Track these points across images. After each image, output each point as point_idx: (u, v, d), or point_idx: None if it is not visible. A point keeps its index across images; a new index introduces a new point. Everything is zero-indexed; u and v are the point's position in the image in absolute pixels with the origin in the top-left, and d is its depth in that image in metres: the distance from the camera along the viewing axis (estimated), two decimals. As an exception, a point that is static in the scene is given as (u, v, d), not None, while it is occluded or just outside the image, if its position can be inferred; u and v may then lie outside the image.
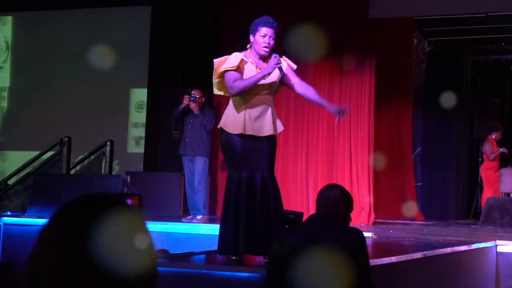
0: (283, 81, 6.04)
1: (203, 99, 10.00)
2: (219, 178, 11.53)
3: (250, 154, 5.87)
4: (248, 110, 5.94)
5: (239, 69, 6.03)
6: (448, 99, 12.33)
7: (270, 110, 5.95)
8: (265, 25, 6.10)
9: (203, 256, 6.36)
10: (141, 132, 12.75)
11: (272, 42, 6.05)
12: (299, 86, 6.07)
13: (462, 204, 13.05)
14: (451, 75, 13.19)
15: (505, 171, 11.73)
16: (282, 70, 5.93)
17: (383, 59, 11.63)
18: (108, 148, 11.78)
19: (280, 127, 6.04)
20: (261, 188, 5.78)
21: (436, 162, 12.85)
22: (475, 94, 13.64)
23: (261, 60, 6.12)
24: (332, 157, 11.00)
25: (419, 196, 12.69)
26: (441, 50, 13.49)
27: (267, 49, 6.03)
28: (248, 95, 5.95)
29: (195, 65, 12.02)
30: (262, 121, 5.93)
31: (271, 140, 5.96)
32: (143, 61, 12.61)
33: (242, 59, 6.08)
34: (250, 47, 6.18)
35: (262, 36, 6.08)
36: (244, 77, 6.01)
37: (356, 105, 10.90)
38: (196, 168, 9.88)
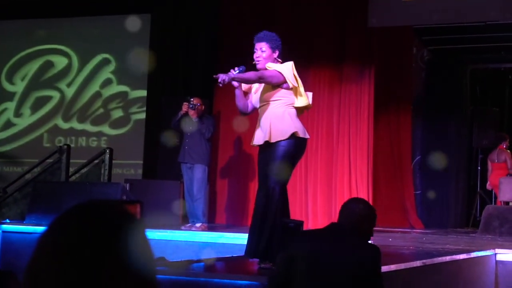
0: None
1: (203, 107, 10.01)
2: (218, 186, 11.53)
3: (259, 164, 6.17)
4: (257, 123, 6.23)
5: (239, 87, 6.28)
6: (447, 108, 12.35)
7: (269, 119, 6.05)
8: (255, 41, 6.34)
9: (202, 264, 6.35)
10: (140, 139, 12.75)
11: (262, 54, 6.22)
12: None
13: (461, 213, 13.05)
14: (451, 83, 13.19)
15: (504, 180, 11.72)
16: (223, 82, 5.98)
17: (383, 67, 11.64)
18: (107, 156, 11.77)
19: (283, 134, 6.02)
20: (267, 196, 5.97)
21: (435, 171, 12.84)
22: (474, 103, 13.65)
23: None
24: (331, 165, 11.01)
25: (418, 205, 12.68)
26: (441, 58, 13.50)
27: (258, 62, 6.24)
28: (257, 109, 6.26)
29: (195, 74, 12.02)
30: (259, 131, 6.13)
31: (272, 147, 6.01)
32: (142, 68, 12.63)
33: None
34: None
35: (254, 52, 6.31)
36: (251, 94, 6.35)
37: (356, 113, 10.91)
38: (195, 176, 9.88)
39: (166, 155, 11.28)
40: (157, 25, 12.54)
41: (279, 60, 6.27)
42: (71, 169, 11.94)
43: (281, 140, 6.00)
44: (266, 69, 6.15)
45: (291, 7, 11.37)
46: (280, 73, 6.08)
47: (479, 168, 13.34)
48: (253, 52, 6.32)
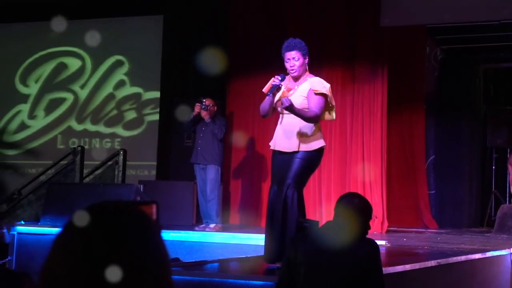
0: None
1: (215, 107, 10.01)
2: (232, 186, 11.54)
3: (279, 168, 6.27)
4: (278, 127, 6.40)
5: (273, 94, 6.37)
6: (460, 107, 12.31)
7: (298, 128, 6.22)
8: (285, 50, 6.47)
9: (216, 264, 6.36)
10: (154, 140, 12.77)
11: (296, 63, 6.38)
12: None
13: (475, 212, 13.00)
14: (464, 83, 13.14)
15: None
16: (273, 89, 6.27)
17: (395, 67, 11.61)
18: (121, 157, 11.80)
19: (311, 146, 6.24)
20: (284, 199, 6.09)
21: (449, 170, 12.80)
22: (487, 102, 13.60)
23: (297, 81, 6.46)
24: (345, 165, 10.99)
25: (432, 204, 12.64)
26: (454, 57, 13.45)
27: (293, 71, 6.40)
28: (279, 115, 6.43)
29: (207, 75, 12.02)
30: (284, 137, 6.28)
31: (302, 155, 6.20)
32: (155, 70, 12.65)
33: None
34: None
35: (286, 62, 6.44)
36: (275, 99, 6.41)
37: (369, 113, 10.89)
38: (208, 176, 9.89)
39: (180, 156, 11.30)
40: (169, 26, 12.56)
41: (307, 68, 6.49)
42: (85, 171, 11.99)
43: (307, 151, 6.21)
44: (312, 91, 6.30)
45: (302, 7, 11.36)
46: (325, 98, 6.34)
47: (493, 167, 13.29)
48: (286, 61, 6.44)
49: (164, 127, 12.20)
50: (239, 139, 11.48)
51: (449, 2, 10.34)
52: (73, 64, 13.74)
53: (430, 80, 13.09)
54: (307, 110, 6.24)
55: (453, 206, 12.74)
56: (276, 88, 6.28)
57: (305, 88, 6.35)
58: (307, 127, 6.26)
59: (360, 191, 10.40)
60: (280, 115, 6.45)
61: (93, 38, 13.17)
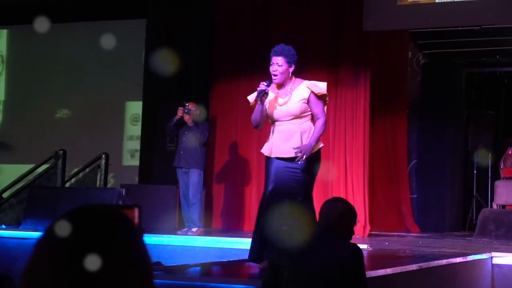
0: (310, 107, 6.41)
1: (198, 112, 10.01)
2: (215, 190, 11.52)
3: (277, 172, 6.30)
4: (274, 135, 6.42)
5: (261, 101, 6.41)
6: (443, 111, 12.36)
7: (298, 133, 6.30)
8: (272, 54, 6.49)
9: (198, 268, 6.36)
10: (136, 145, 12.75)
11: (279, 69, 6.39)
12: (315, 119, 6.44)
13: (457, 216, 13.05)
14: (446, 87, 13.20)
15: (500, 183, 11.73)
16: (260, 94, 6.33)
17: (378, 71, 11.64)
18: (103, 161, 11.77)
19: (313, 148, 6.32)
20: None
21: (432, 174, 12.85)
22: (470, 106, 13.66)
23: (282, 88, 6.48)
24: (327, 169, 11.00)
25: (414, 208, 12.68)
26: (436, 62, 13.51)
27: (274, 76, 6.40)
28: (273, 122, 6.46)
29: (191, 78, 12.01)
30: (283, 143, 6.31)
31: (302, 166, 6.28)
32: (138, 74, 12.63)
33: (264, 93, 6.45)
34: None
35: (271, 65, 6.45)
36: (268, 109, 6.45)
37: (351, 117, 10.91)
38: (191, 180, 9.88)
39: (162, 159, 11.28)
40: (152, 30, 12.52)
41: (292, 75, 6.50)
42: (68, 174, 11.94)
43: (312, 154, 6.28)
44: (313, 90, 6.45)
45: (286, 12, 11.37)
46: (325, 100, 6.54)
47: (475, 171, 13.35)
48: (271, 65, 6.48)
49: (147, 130, 12.17)
50: (222, 143, 11.48)
51: (431, 6, 10.38)
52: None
53: (413, 84, 13.14)
54: (317, 124, 6.39)
55: (435, 210, 12.79)
56: (263, 93, 6.29)
57: (302, 93, 6.40)
58: (307, 128, 6.36)
59: (342, 195, 10.41)
60: (273, 123, 6.48)
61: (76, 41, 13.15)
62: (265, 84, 6.33)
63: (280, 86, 6.46)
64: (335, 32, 11.12)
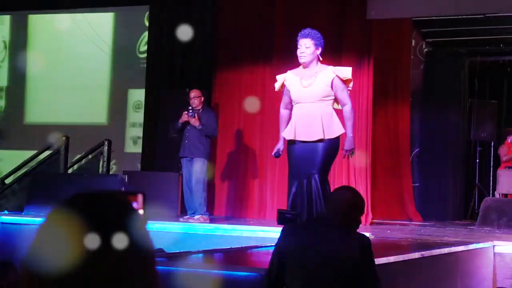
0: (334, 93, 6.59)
1: (202, 98, 9.99)
2: (217, 178, 11.52)
3: (302, 158, 6.46)
4: (296, 117, 6.57)
5: (286, 90, 6.71)
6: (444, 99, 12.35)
7: (320, 116, 6.44)
8: (300, 37, 6.70)
9: (200, 255, 6.36)
10: (138, 132, 12.75)
11: (307, 50, 6.61)
12: (341, 104, 6.65)
13: (459, 205, 13.05)
14: (449, 76, 13.19)
15: (502, 172, 11.73)
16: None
17: (381, 60, 11.61)
18: (105, 148, 11.76)
19: (334, 132, 6.51)
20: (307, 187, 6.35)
21: (434, 163, 12.85)
22: (472, 95, 13.64)
23: (306, 69, 6.66)
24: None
25: (416, 197, 12.68)
26: (439, 51, 13.49)
27: (301, 58, 6.62)
28: (296, 104, 6.62)
29: (193, 66, 12.00)
30: (304, 126, 6.48)
31: (326, 144, 6.45)
32: (141, 61, 12.61)
33: (284, 78, 6.73)
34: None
35: (298, 48, 6.65)
36: (291, 92, 6.66)
37: (354, 105, 10.81)
38: (194, 168, 9.87)
39: (164, 147, 11.28)
40: (155, 17, 12.50)
41: (320, 58, 6.70)
42: (70, 161, 11.95)
43: (332, 138, 6.46)
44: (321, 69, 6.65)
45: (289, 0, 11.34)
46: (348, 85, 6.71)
47: (477, 160, 13.34)
48: (298, 48, 6.64)
49: (150, 118, 12.16)
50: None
51: (435, -5, 10.35)
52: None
53: (416, 73, 13.12)
54: (346, 112, 6.61)
55: (437, 198, 12.80)
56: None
57: (327, 76, 6.56)
58: (328, 113, 6.51)
59: (345, 184, 10.42)
60: (296, 105, 6.61)
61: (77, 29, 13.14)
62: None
63: (305, 67, 6.59)
64: (339, 21, 11.09)
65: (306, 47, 6.56)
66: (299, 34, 6.69)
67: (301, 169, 6.39)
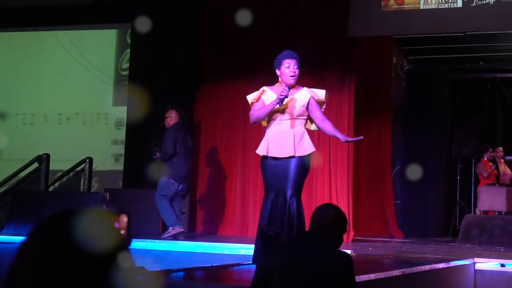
0: (309, 112, 6.77)
1: (172, 118, 10.17)
2: (198, 195, 11.50)
3: (274, 174, 6.55)
4: (270, 134, 6.66)
5: (261, 100, 6.75)
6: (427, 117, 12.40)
7: (292, 134, 6.58)
8: (287, 57, 6.80)
9: (181, 273, 6.34)
10: (120, 149, 12.72)
11: (297, 71, 6.77)
12: (320, 120, 6.80)
13: (441, 222, 13.09)
14: (431, 93, 13.26)
15: (483, 189, 11.79)
16: (282, 102, 6.59)
17: (363, 77, 11.66)
18: (87, 165, 11.73)
19: (305, 150, 6.61)
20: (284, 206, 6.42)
21: (416, 180, 12.89)
22: (454, 112, 13.72)
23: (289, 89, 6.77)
24: (312, 174, 11.00)
25: (398, 214, 12.71)
26: (421, 68, 13.56)
27: (293, 78, 6.74)
28: (270, 121, 6.71)
29: (176, 83, 12.00)
30: (276, 143, 6.58)
31: (297, 160, 6.54)
32: (122, 78, 12.60)
33: (264, 91, 6.82)
34: (280, 81, 6.83)
35: (287, 67, 6.75)
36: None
37: (336, 122, 10.89)
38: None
39: (146, 164, 11.25)
40: (138, 35, 12.50)
41: None
42: (51, 178, 11.90)
43: (303, 156, 6.56)
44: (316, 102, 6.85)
45: (272, 17, 11.37)
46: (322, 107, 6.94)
47: (458, 177, 13.40)
48: (287, 67, 6.72)
49: (132, 135, 12.14)
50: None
51: (416, 13, 10.41)
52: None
53: (397, 90, 13.18)
54: (329, 125, 6.88)
55: (418, 215, 12.83)
56: (284, 98, 6.58)
57: (303, 96, 6.73)
58: (300, 132, 6.65)
59: (326, 200, 10.43)
60: (271, 122, 6.70)
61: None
62: (287, 89, 6.59)
63: (291, 87, 6.73)
64: (321, 38, 11.13)
65: (295, 67, 6.72)
66: (286, 54, 6.83)
67: (274, 184, 6.48)
